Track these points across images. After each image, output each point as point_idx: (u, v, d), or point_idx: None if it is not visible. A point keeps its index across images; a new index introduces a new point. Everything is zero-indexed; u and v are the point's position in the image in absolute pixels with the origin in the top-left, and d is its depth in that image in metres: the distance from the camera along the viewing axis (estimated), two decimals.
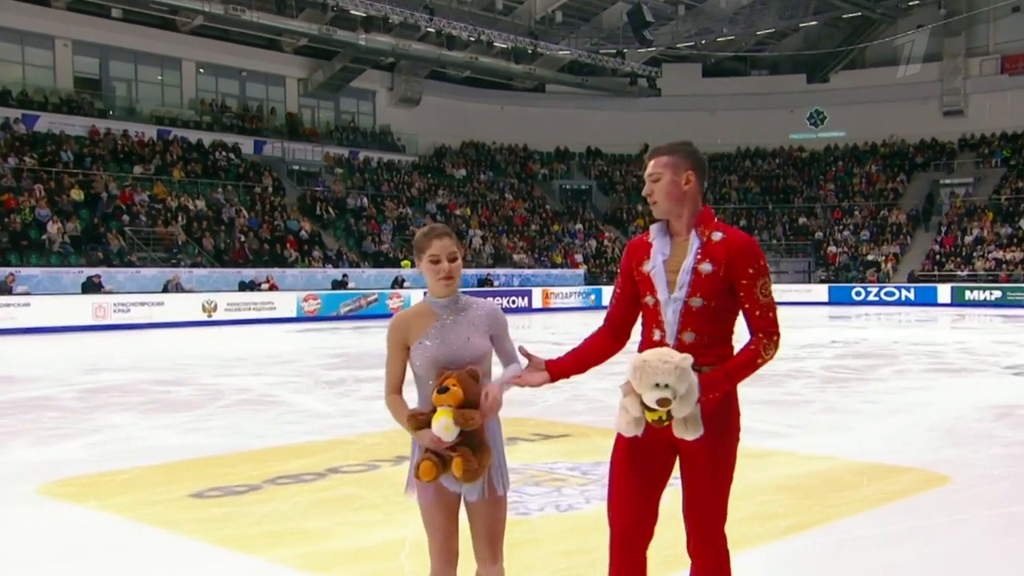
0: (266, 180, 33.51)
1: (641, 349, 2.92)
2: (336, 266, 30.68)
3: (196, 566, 4.77)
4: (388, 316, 28.33)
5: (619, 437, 2.98)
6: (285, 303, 26.81)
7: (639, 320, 3.09)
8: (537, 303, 32.82)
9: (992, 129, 42.11)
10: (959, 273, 36.19)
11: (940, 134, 43.30)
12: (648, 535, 2.97)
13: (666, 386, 2.62)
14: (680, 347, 2.84)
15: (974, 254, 37.13)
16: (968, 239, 38.00)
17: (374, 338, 19.90)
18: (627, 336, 3.14)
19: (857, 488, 5.98)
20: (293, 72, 38.37)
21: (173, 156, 31.74)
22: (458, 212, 37.44)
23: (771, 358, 2.91)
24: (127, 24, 32.56)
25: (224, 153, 33.42)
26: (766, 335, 2.90)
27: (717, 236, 2.90)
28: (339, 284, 29.08)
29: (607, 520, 3.02)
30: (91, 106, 32.19)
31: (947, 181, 41.97)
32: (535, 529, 5.29)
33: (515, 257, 36.18)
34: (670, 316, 2.88)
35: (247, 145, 35.01)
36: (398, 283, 30.54)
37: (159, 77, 35.31)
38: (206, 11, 30.54)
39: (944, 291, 34.65)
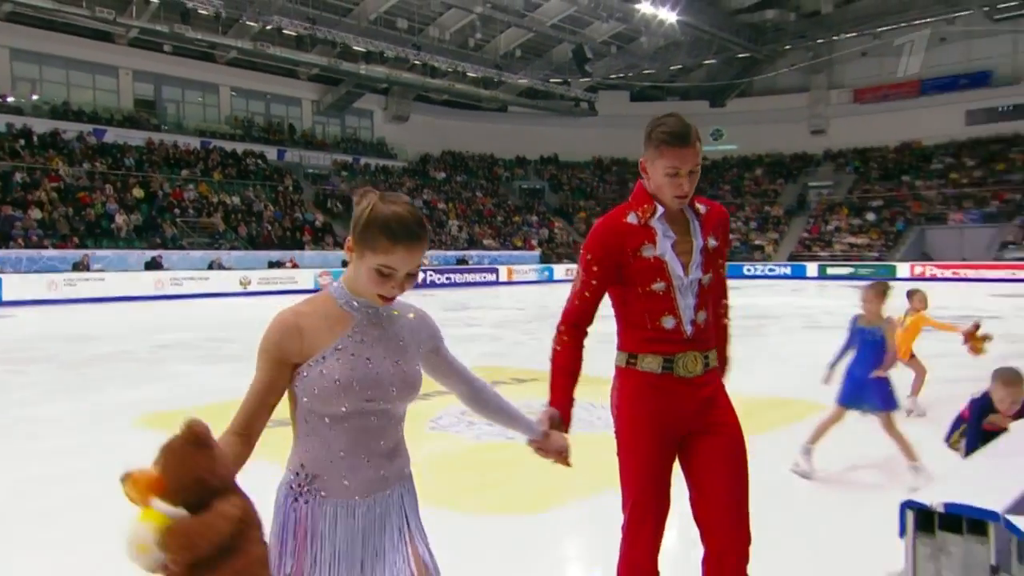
0: (287, 181, 33.15)
1: (643, 341, 2.21)
2: (344, 249, 30.56)
3: (264, 478, 4.94)
4: None
5: (637, 429, 2.22)
6: (305, 278, 26.70)
7: (621, 314, 2.27)
8: (503, 278, 32.98)
9: (847, 145, 42.61)
10: (822, 254, 36.73)
11: (809, 148, 43.81)
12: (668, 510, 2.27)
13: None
14: (696, 330, 2.18)
15: (833, 239, 37.71)
16: (829, 228, 38.66)
17: None
18: (587, 333, 2.31)
19: (762, 415, 6.19)
20: (308, 95, 37.86)
21: (213, 162, 31.26)
22: (440, 206, 37.36)
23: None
24: (176, 57, 31.88)
25: (253, 159, 32.97)
26: (726, 299, 2.43)
27: (703, 208, 2.27)
28: (347, 263, 28.90)
29: (633, 496, 2.26)
30: (148, 122, 31.57)
31: (814, 184, 42.45)
32: (518, 451, 5.51)
33: (485, 242, 36.27)
34: (690, 299, 2.17)
35: (271, 153, 34.56)
36: None
37: (201, 99, 34.65)
38: (239, 47, 30.03)
39: (812, 267, 35.23)
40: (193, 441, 1.34)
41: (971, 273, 31.14)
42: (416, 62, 34.10)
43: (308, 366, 1.58)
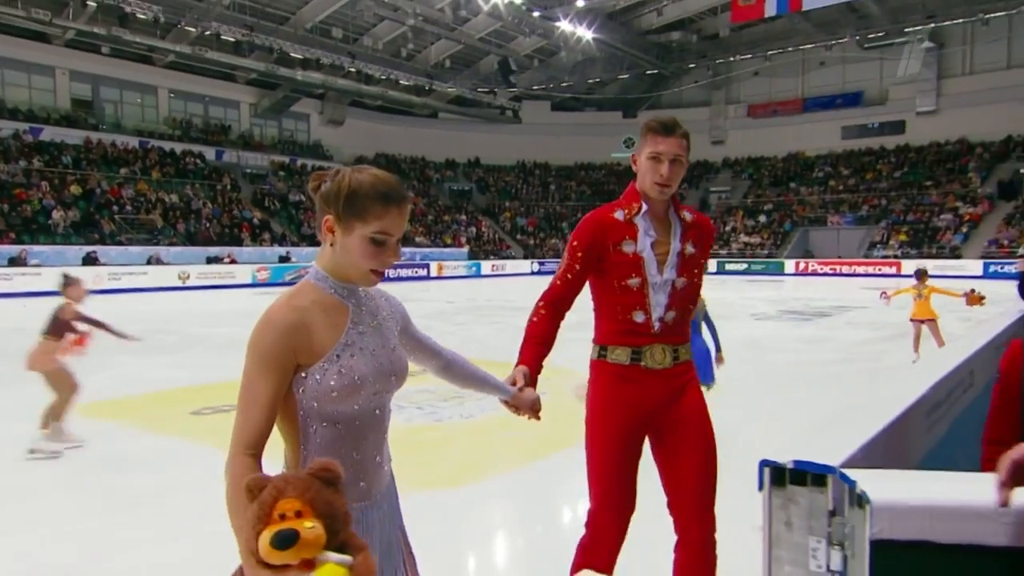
0: (225, 180, 32.04)
1: (614, 333, 2.16)
2: (281, 245, 29.79)
3: (203, 463, 4.75)
4: None
5: (606, 418, 2.15)
6: (243, 273, 25.92)
7: (597, 306, 2.24)
8: (434, 273, 32.80)
9: (742, 154, 43.85)
10: (721, 252, 37.58)
11: (710, 156, 44.96)
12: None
13: None
14: (663, 328, 2.14)
15: (731, 239, 38.79)
16: (727, 228, 39.79)
17: None
18: (564, 315, 2.26)
19: None
20: (246, 98, 36.60)
21: (151, 161, 29.92)
22: None
23: None
24: (114, 58, 30.30)
25: (192, 159, 31.70)
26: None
27: (688, 216, 2.25)
28: (284, 259, 28.28)
29: (597, 495, 2.15)
30: (85, 122, 29.87)
31: (714, 189, 43.51)
32: (445, 430, 5.56)
33: (416, 239, 35.98)
34: (661, 298, 2.13)
35: (210, 153, 33.29)
36: None
37: (139, 100, 33.03)
38: (177, 50, 28.78)
39: (712, 264, 36.18)
40: (334, 482, 1.14)
41: (846, 269, 32.78)
42: (351, 69, 33.48)
43: (320, 367, 1.34)
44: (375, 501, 1.45)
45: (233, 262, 26.34)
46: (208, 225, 28.08)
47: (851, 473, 1.35)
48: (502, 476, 4.41)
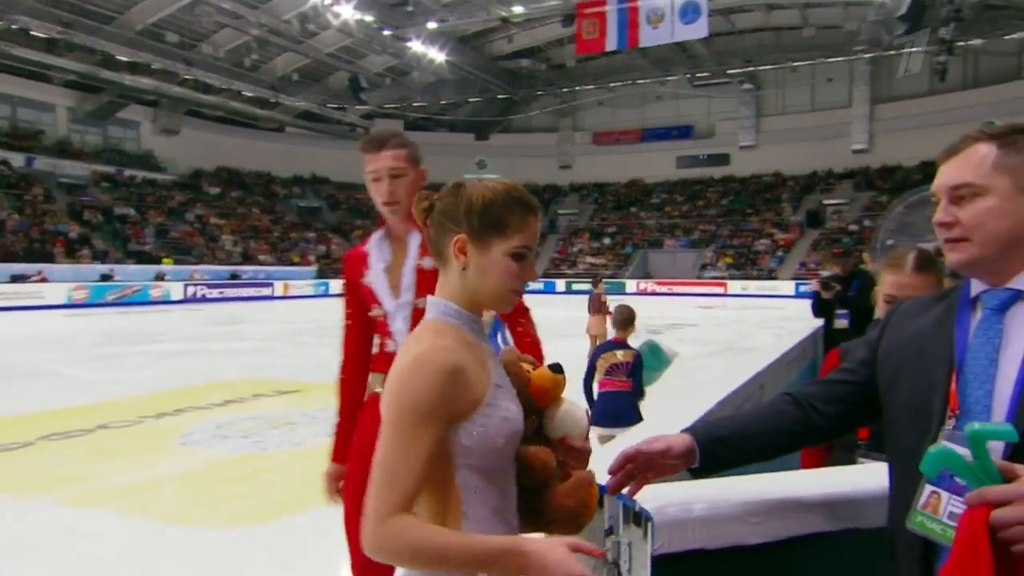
0: (36, 190, 28.84)
1: (375, 363, 2.07)
2: (104, 262, 27.17)
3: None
4: (151, 303, 25.98)
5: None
6: (55, 293, 23.32)
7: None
8: (279, 292, 31.32)
9: (588, 179, 45.86)
10: (569, 271, 39.07)
11: (557, 180, 46.64)
12: None
13: None
14: None
15: (577, 259, 40.44)
16: (574, 249, 41.47)
17: (136, 319, 18.00)
18: (368, 360, 2.10)
19: None
20: (62, 101, 33.19)
21: None
22: (212, 221, 34.69)
23: None
24: None
25: None
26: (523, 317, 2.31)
27: None
28: (106, 277, 25.80)
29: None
30: None
31: (562, 211, 45.02)
32: (269, 461, 5.25)
33: (260, 257, 34.24)
34: (400, 324, 1.99)
35: (18, 160, 29.84)
36: (159, 277, 27.69)
37: None
38: None
39: (561, 284, 37.27)
40: None
41: (680, 288, 35.14)
42: (187, 77, 31.45)
43: (483, 415, 1.14)
44: None
45: (44, 280, 23.67)
46: (13, 239, 25.07)
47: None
48: (317, 511, 4.20)
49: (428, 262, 1.95)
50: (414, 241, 2.01)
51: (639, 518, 1.36)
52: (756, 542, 1.39)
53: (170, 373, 9.08)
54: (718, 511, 1.37)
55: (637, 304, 7.91)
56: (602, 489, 1.32)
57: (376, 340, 2.07)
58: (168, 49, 30.64)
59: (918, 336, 1.19)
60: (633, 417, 4.34)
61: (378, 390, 2.04)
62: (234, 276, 30.53)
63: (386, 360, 1.99)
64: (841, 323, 5.70)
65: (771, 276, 34.57)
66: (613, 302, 7.16)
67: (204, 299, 27.17)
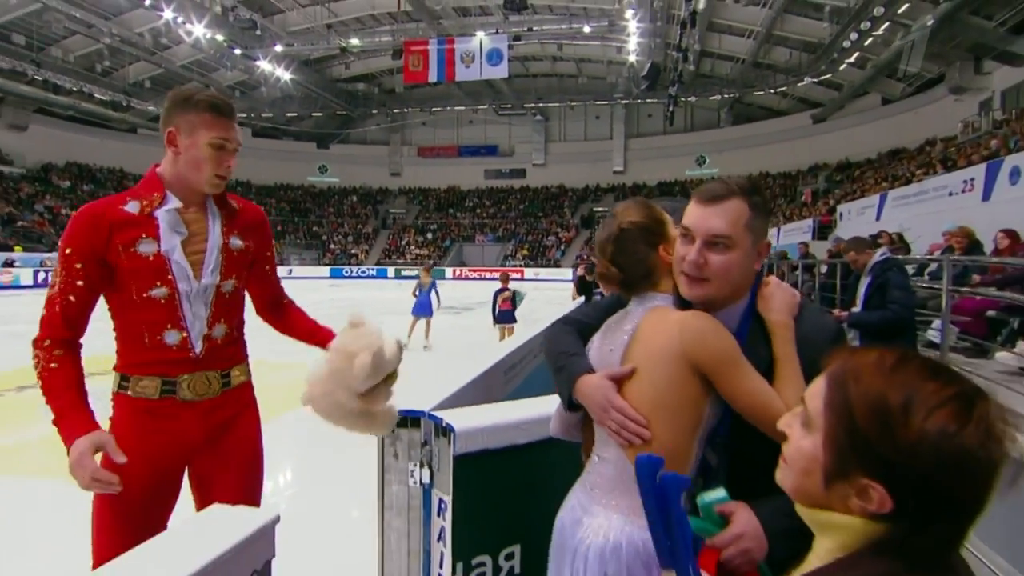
0: None
1: (142, 363, 1.44)
2: None
3: None
4: (2, 288, 21.47)
5: (126, 467, 1.37)
6: None
7: (117, 326, 1.46)
8: None
9: (415, 185, 45.01)
10: (399, 261, 38.64)
11: (389, 185, 45.90)
12: None
13: None
14: (210, 344, 1.47)
15: (406, 251, 40.13)
16: (403, 242, 41.17)
17: None
18: (80, 347, 1.46)
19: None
20: None
21: None
22: (64, 212, 29.71)
23: None
24: None
25: None
26: (290, 301, 1.73)
27: (236, 205, 1.56)
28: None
29: (105, 556, 1.33)
30: None
31: (392, 211, 43.82)
32: None
33: None
34: (199, 309, 1.44)
35: None
36: (8, 264, 23.24)
37: None
38: None
39: (391, 271, 36.53)
40: None
41: (488, 274, 36.36)
42: (37, 77, 26.43)
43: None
44: None
45: None
46: None
47: (440, 414, 1.66)
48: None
49: (237, 242, 1.52)
50: (216, 216, 1.50)
51: (445, 431, 1.54)
52: (524, 442, 1.57)
53: (26, 352, 7.86)
54: (498, 423, 1.57)
55: (454, 287, 8.26)
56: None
57: (144, 333, 1.43)
58: (15, 50, 25.69)
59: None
60: (513, 319, 8.78)
61: (154, 394, 1.46)
62: None
63: (162, 360, 1.44)
64: (597, 299, 6.44)
65: (556, 264, 36.98)
66: (456, 284, 7.94)
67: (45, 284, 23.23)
